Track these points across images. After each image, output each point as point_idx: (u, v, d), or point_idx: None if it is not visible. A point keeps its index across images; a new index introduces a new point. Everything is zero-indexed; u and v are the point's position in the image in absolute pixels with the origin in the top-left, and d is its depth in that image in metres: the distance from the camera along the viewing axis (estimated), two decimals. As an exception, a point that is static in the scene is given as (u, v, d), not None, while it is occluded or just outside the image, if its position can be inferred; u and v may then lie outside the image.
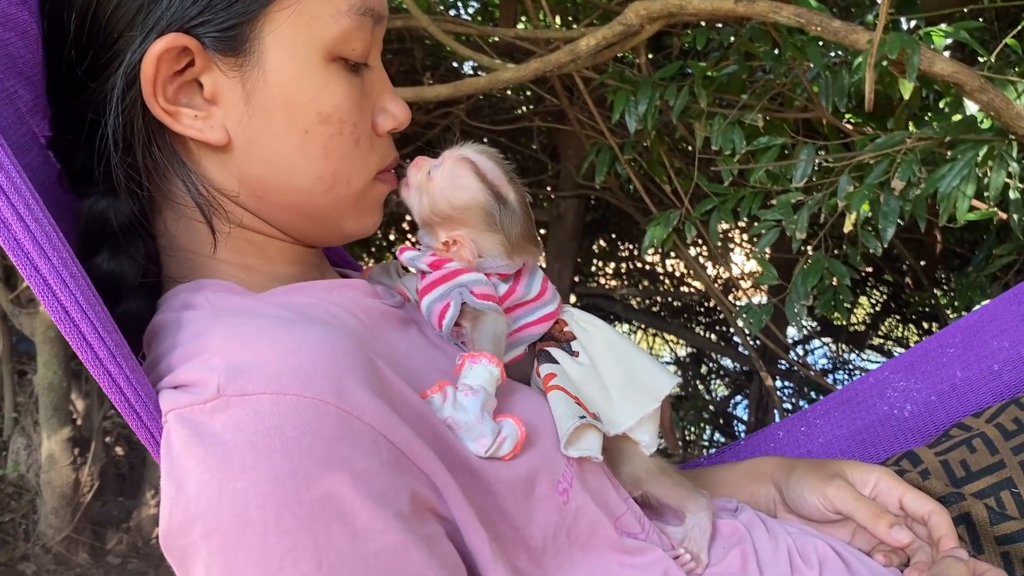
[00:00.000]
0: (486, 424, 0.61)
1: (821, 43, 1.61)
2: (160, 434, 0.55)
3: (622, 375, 0.73)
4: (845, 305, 1.69)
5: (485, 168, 0.71)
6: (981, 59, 1.46)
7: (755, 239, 1.64)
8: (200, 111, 0.63)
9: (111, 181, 0.65)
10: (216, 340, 0.56)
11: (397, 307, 0.73)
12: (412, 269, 0.75)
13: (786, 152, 1.67)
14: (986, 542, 0.79)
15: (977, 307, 1.00)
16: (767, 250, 1.72)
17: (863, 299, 4.74)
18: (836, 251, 1.71)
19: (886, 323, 4.87)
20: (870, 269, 4.06)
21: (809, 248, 1.64)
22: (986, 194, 1.37)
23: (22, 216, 0.51)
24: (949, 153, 1.39)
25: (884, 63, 1.33)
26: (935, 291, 3.31)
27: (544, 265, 3.34)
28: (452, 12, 3.47)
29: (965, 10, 2.19)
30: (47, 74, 0.68)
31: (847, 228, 1.51)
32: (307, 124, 0.64)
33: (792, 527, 0.81)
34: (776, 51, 1.68)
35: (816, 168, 1.65)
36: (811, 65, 1.60)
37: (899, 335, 4.89)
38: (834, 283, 1.66)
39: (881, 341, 4.89)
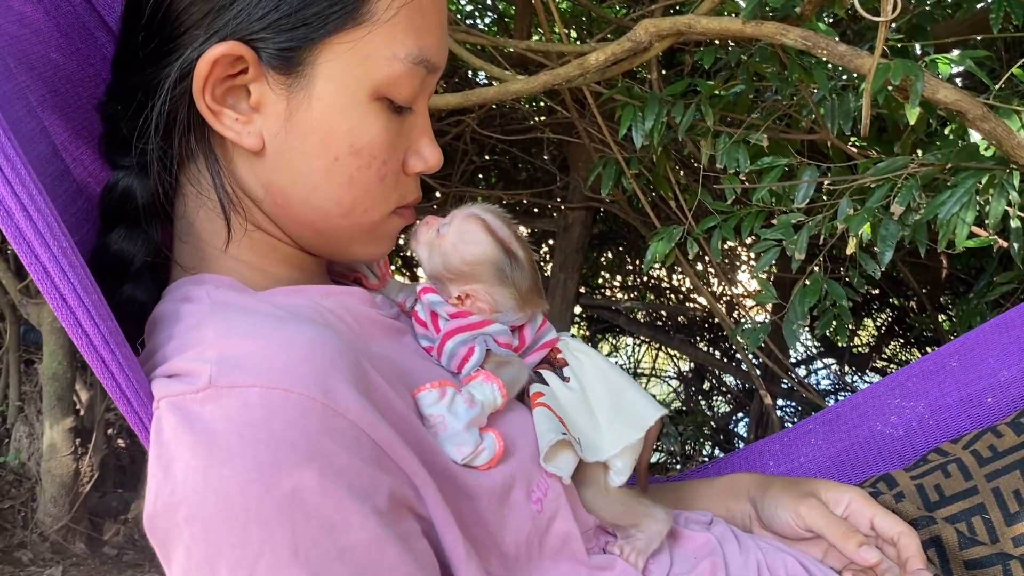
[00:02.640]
0: (471, 435, 0.64)
1: (829, 66, 1.62)
2: (149, 421, 0.57)
3: (610, 403, 0.75)
4: (846, 327, 1.70)
5: (495, 226, 0.74)
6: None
7: (758, 257, 1.65)
8: (242, 115, 0.66)
9: (144, 159, 0.69)
10: (211, 333, 0.58)
11: (393, 318, 0.75)
12: (432, 312, 0.77)
13: (794, 170, 1.68)
14: (955, 566, 0.80)
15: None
16: (772, 269, 1.73)
17: (867, 321, 4.74)
18: (842, 271, 1.72)
19: (890, 346, 4.87)
20: (876, 292, 4.06)
21: (816, 268, 1.65)
22: (986, 222, 1.38)
23: (25, 206, 0.54)
24: (951, 180, 1.40)
25: (889, 88, 1.34)
26: (939, 316, 3.32)
27: (549, 275, 3.36)
28: (468, 22, 3.50)
29: (979, 38, 2.20)
30: (118, 46, 0.71)
31: (850, 250, 1.52)
32: (338, 152, 0.67)
33: (764, 542, 0.82)
34: (784, 72, 1.69)
35: (822, 190, 1.66)
36: (817, 87, 1.61)
37: (903, 358, 4.89)
38: (835, 304, 1.66)
39: (884, 364, 4.88)
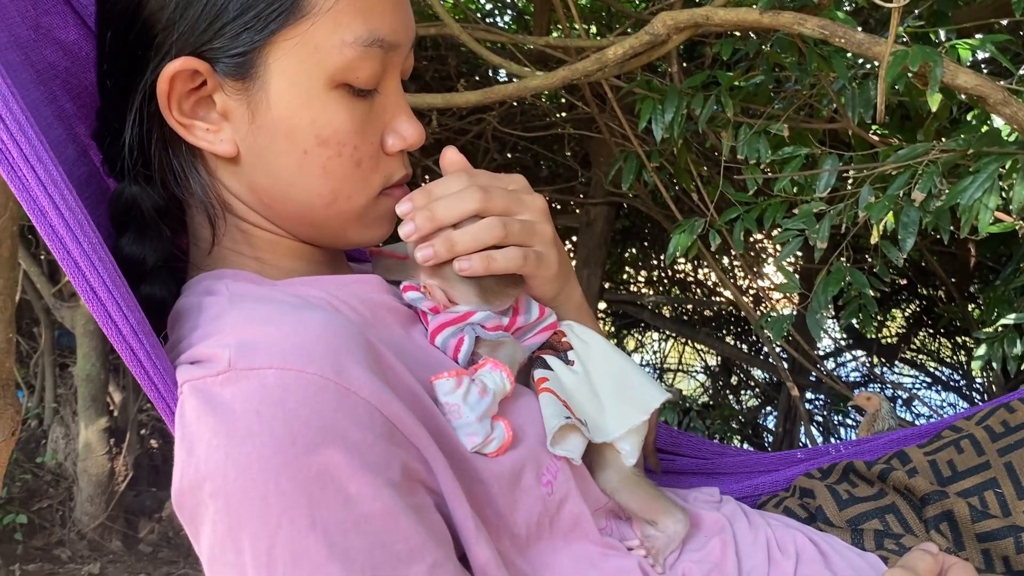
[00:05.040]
0: (483, 426, 0.65)
1: (849, 55, 1.61)
2: (175, 405, 0.60)
3: (614, 386, 0.75)
4: (872, 316, 1.69)
5: None
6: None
7: (782, 247, 1.65)
8: (213, 125, 0.68)
9: (137, 174, 0.71)
10: (230, 322, 0.61)
11: (408, 305, 0.76)
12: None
13: (815, 160, 1.67)
14: (968, 539, 0.81)
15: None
16: (798, 261, 1.73)
17: (895, 312, 4.70)
18: (868, 259, 1.71)
19: (919, 337, 4.82)
20: (903, 282, 4.02)
21: (843, 259, 1.65)
22: (1011, 207, 1.37)
23: (57, 205, 0.57)
24: (973, 165, 1.39)
25: (908, 75, 1.34)
26: (968, 305, 3.28)
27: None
28: (488, 20, 3.52)
29: (1004, 22, 2.18)
30: (96, 75, 0.74)
31: (874, 239, 1.51)
32: (306, 146, 0.68)
33: (773, 519, 0.83)
34: (803, 62, 1.69)
35: (846, 178, 1.65)
36: (836, 76, 1.60)
37: (931, 349, 4.84)
38: (860, 294, 1.66)
39: (913, 354, 4.84)
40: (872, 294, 1.65)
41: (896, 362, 4.87)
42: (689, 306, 5.07)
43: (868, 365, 5.02)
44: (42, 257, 3.56)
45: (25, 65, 0.70)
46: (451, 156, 0.74)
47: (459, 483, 0.62)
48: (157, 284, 0.73)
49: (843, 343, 5.11)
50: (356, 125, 0.69)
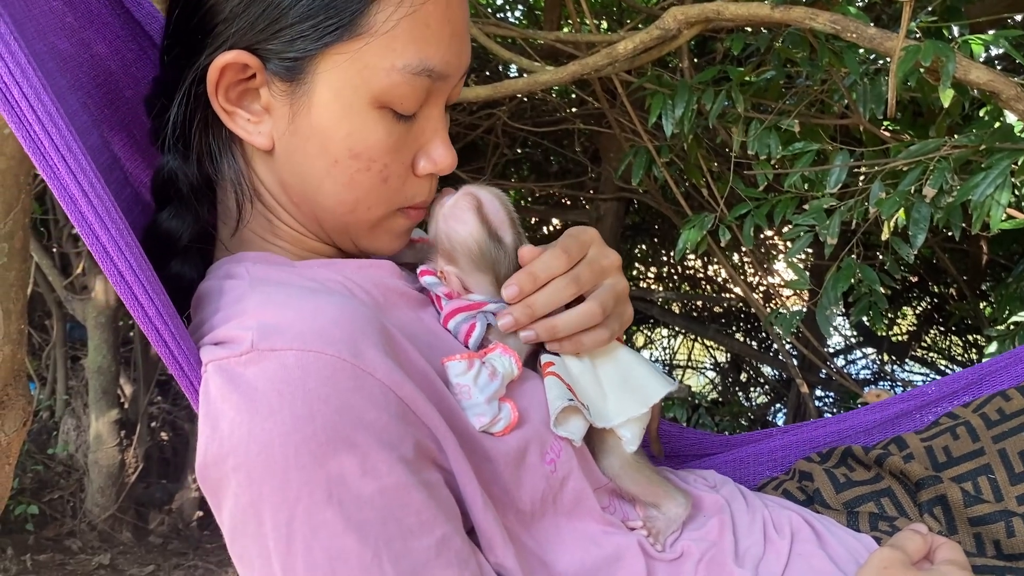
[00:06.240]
0: (491, 407, 0.68)
1: (861, 50, 1.61)
2: (199, 383, 0.62)
3: (618, 377, 0.77)
4: (882, 313, 1.68)
5: (489, 208, 0.75)
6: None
7: (792, 243, 1.64)
8: (254, 116, 0.71)
9: (176, 149, 0.74)
10: (251, 305, 0.63)
11: (419, 290, 0.79)
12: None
13: (826, 156, 1.67)
14: (960, 523, 0.83)
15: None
16: (809, 257, 1.72)
17: (907, 310, 4.68)
18: (879, 256, 1.70)
19: (929, 334, 4.80)
20: (915, 280, 4.00)
21: (854, 255, 1.64)
22: (1023, 203, 1.37)
23: (87, 193, 0.60)
24: (985, 162, 1.39)
25: (920, 70, 1.33)
26: (980, 303, 3.27)
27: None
28: (499, 15, 3.52)
29: (1019, 18, 2.16)
30: (160, 46, 0.77)
31: (884, 236, 1.51)
32: (337, 155, 0.70)
33: (771, 500, 0.86)
34: (814, 57, 1.68)
35: (857, 174, 1.64)
36: (848, 72, 1.60)
37: (941, 347, 4.81)
38: (871, 291, 1.65)
39: (924, 352, 4.82)
40: (882, 291, 1.64)
41: (907, 360, 4.85)
42: (699, 302, 5.06)
43: (878, 362, 5.00)
44: (54, 250, 3.58)
45: (51, 55, 0.72)
46: (526, 255, 0.75)
47: (468, 461, 0.64)
48: (187, 263, 0.76)
49: (853, 340, 5.10)
50: (391, 145, 0.71)
